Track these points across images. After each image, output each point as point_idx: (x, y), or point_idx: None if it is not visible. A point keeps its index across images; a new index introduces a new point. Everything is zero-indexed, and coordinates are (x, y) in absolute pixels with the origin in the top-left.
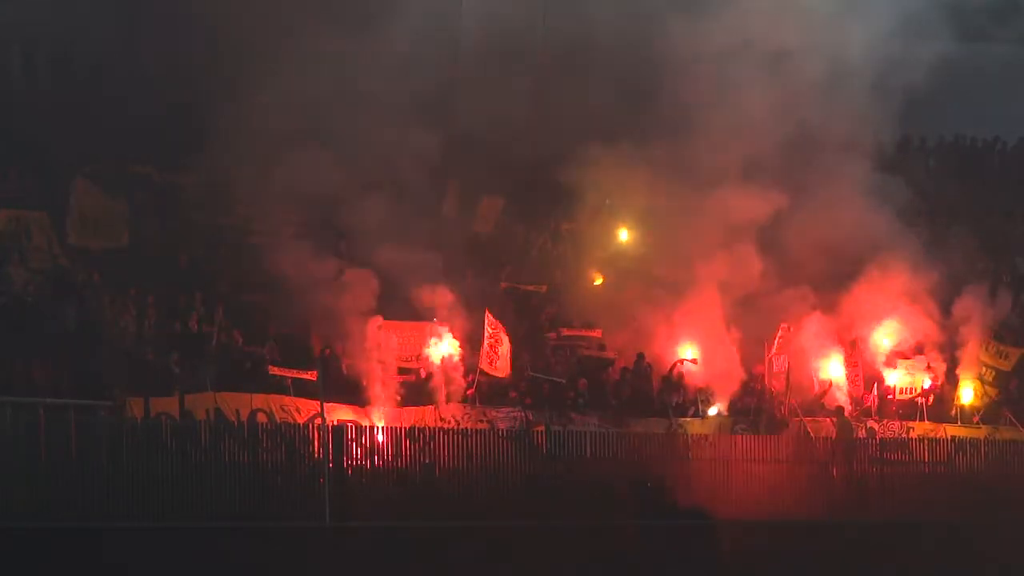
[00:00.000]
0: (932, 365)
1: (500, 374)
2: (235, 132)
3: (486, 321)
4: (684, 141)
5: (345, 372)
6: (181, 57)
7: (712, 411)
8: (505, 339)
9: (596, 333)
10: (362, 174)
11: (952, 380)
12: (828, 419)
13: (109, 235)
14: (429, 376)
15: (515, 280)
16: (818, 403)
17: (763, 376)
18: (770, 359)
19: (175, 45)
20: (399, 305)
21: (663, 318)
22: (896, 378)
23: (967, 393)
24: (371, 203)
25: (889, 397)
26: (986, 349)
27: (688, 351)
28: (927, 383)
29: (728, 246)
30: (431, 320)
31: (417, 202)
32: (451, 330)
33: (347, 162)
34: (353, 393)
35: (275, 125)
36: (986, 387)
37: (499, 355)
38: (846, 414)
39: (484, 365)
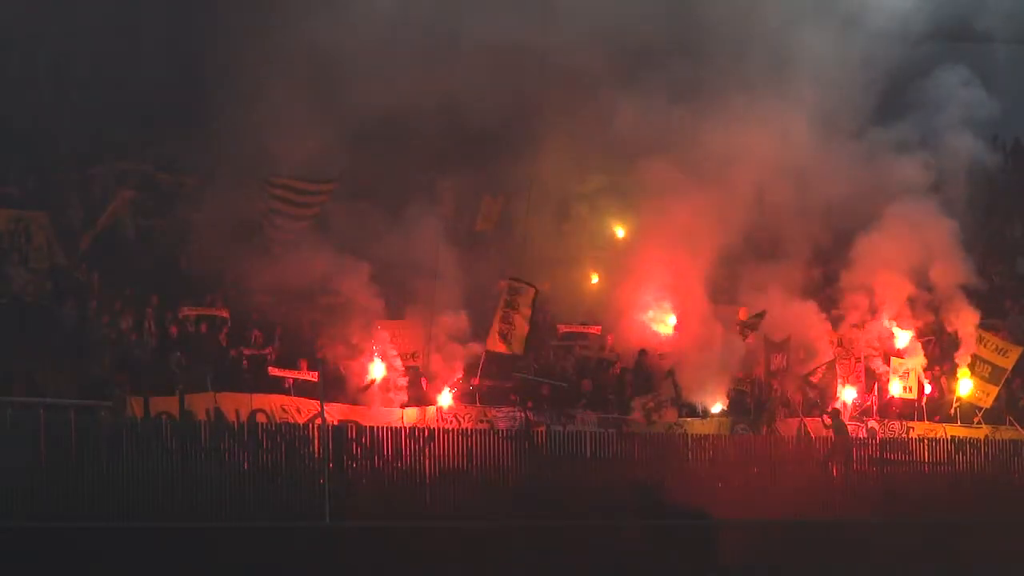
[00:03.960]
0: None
1: (507, 351)
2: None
3: (505, 290)
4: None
5: (344, 372)
6: (180, 43)
7: (715, 409)
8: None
9: (595, 329)
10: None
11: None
12: (822, 419)
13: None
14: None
15: (515, 279)
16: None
17: (759, 373)
18: (766, 356)
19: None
20: (398, 302)
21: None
22: (895, 385)
23: (965, 385)
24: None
25: (888, 398)
26: (984, 344)
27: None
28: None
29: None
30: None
31: (417, 202)
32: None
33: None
34: (353, 393)
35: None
36: (982, 383)
37: (514, 329)
38: (844, 415)
39: (492, 343)
